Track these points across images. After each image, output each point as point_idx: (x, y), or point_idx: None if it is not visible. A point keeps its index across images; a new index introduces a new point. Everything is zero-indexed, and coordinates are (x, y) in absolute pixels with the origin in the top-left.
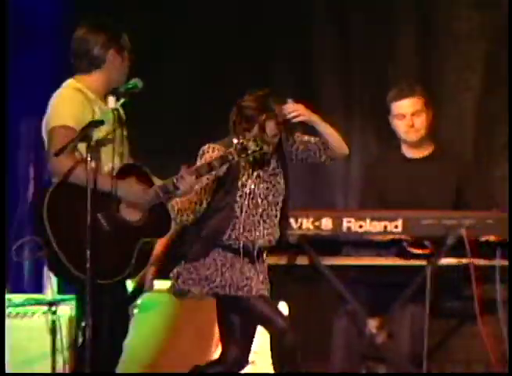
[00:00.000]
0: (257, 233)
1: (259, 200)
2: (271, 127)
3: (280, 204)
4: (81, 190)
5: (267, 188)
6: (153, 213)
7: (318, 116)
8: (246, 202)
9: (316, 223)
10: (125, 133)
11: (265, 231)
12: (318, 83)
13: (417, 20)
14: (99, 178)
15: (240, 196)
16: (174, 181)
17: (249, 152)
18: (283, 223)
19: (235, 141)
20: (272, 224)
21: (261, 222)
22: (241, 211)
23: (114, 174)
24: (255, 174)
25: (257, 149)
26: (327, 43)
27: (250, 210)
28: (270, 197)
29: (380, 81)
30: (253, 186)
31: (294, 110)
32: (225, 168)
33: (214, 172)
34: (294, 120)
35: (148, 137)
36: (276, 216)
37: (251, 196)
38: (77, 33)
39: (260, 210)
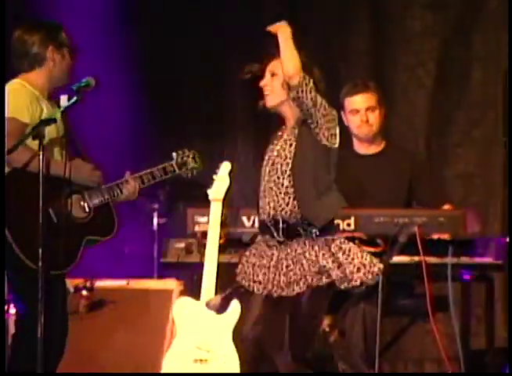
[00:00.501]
0: (268, 203)
1: (266, 168)
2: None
3: (288, 173)
4: (29, 183)
5: (276, 154)
6: (98, 213)
7: (287, 35)
8: (262, 169)
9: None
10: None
11: (273, 201)
12: None
13: (370, 18)
14: (52, 162)
15: (261, 165)
16: (120, 184)
17: (188, 167)
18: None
19: (174, 155)
20: (280, 194)
21: (269, 189)
22: (261, 181)
23: None
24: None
25: (196, 166)
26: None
27: (262, 178)
28: (274, 163)
29: (333, 79)
30: (268, 153)
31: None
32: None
33: (156, 180)
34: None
35: None
36: (287, 186)
37: (264, 163)
38: (14, 34)
39: (267, 178)
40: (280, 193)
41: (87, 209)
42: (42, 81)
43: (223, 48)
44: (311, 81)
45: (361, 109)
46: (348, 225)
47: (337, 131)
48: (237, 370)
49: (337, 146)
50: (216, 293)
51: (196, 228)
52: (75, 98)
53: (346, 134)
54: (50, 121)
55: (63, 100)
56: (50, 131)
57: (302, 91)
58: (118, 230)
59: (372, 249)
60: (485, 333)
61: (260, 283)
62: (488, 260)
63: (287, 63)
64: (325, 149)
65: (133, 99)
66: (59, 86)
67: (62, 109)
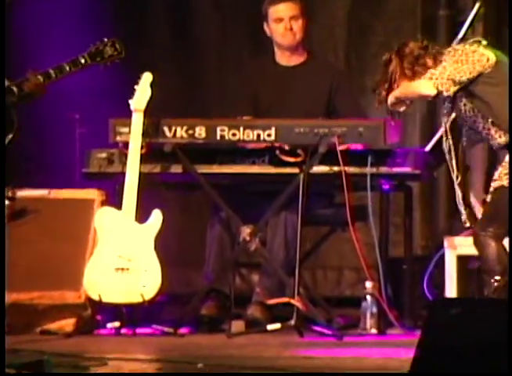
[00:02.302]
0: None
1: None
2: None
3: None
4: None
5: None
6: None
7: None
8: None
9: (190, 132)
10: None
11: None
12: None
13: None
14: None
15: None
16: (20, 83)
17: (105, 56)
18: None
19: (91, 47)
20: None
21: None
22: None
23: None
24: None
25: (115, 53)
26: None
27: None
28: None
29: None
30: None
31: None
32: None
33: (66, 74)
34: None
35: None
36: None
37: None
38: None
39: None
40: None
41: None
42: None
43: None
44: (440, 76)
45: (285, 17)
46: (269, 135)
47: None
48: (159, 280)
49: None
50: (137, 203)
51: (118, 138)
52: None
53: (269, 46)
54: None
55: None
56: None
57: (442, 92)
58: (18, 130)
59: (292, 159)
60: (404, 241)
61: None
62: (406, 170)
63: (419, 95)
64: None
65: None
66: None
67: None
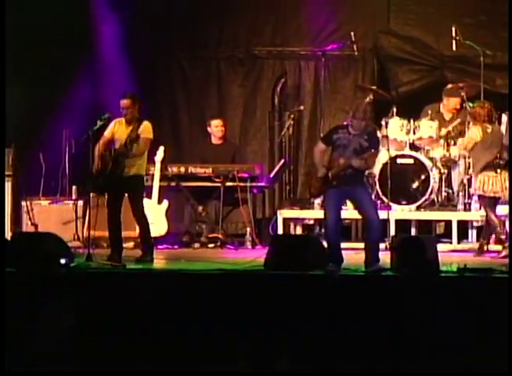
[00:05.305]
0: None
1: None
2: None
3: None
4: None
5: None
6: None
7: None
8: None
9: (178, 169)
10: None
11: None
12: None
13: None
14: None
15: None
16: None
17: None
18: None
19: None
20: None
21: None
22: None
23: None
24: None
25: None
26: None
27: None
28: None
29: (203, 110)
30: None
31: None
32: None
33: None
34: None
35: None
36: None
37: None
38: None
39: None
40: None
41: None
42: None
43: None
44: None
45: (219, 125)
46: (209, 171)
47: None
48: (166, 227)
49: None
50: (158, 197)
51: (150, 172)
52: (100, 123)
53: (209, 135)
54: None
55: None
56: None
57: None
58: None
59: (218, 180)
60: (262, 211)
61: None
62: (263, 184)
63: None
64: None
65: None
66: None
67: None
